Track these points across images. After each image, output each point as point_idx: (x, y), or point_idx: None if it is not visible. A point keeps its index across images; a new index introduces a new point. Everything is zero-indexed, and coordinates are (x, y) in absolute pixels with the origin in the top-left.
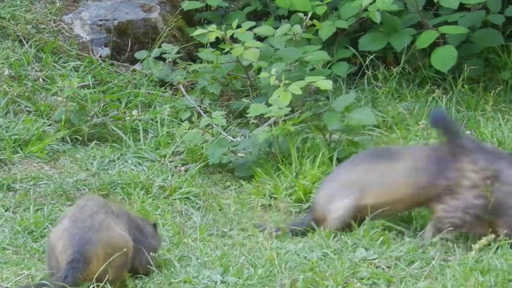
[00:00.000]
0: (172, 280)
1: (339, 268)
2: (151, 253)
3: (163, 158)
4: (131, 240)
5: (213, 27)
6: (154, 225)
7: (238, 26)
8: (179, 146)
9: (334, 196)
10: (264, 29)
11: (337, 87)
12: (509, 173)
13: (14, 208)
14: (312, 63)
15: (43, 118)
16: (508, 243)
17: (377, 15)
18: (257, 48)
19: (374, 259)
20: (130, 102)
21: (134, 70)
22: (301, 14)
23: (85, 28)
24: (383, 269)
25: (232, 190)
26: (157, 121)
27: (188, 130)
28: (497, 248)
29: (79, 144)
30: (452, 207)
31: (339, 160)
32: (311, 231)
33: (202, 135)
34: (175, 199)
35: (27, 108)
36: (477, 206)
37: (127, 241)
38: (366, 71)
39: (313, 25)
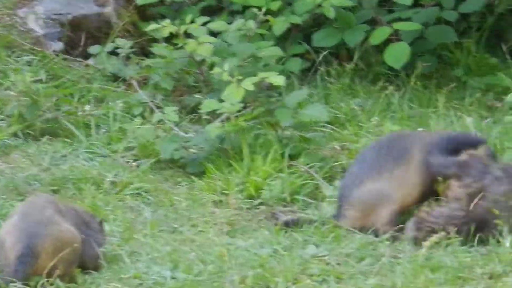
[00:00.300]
0: (122, 275)
1: (289, 264)
2: (99, 249)
3: (114, 154)
4: (79, 235)
5: (166, 22)
6: (101, 222)
7: (192, 21)
8: (131, 141)
9: None
10: (217, 24)
11: (290, 83)
12: (494, 189)
13: None
14: (266, 58)
15: None
16: (459, 241)
17: (331, 10)
18: (211, 43)
19: (324, 255)
20: (83, 97)
21: (87, 65)
22: (255, 10)
23: (39, 22)
24: (333, 265)
25: (183, 186)
26: (109, 116)
27: (140, 125)
28: (447, 246)
29: (31, 139)
30: (437, 212)
31: (290, 157)
32: (263, 227)
33: (154, 130)
34: (126, 195)
35: None
36: (460, 218)
37: (76, 236)
38: (319, 67)
39: (267, 21)
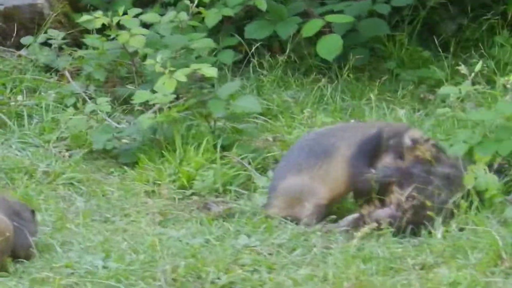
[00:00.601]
0: (54, 264)
1: (221, 254)
2: (31, 238)
3: (47, 144)
4: (11, 224)
5: (99, 13)
6: (33, 211)
7: (125, 13)
8: (63, 132)
9: None
10: (150, 16)
11: (222, 75)
12: (437, 198)
13: None
14: (198, 50)
15: None
16: (390, 232)
17: (263, 3)
18: (143, 35)
19: (256, 246)
20: (15, 88)
21: (19, 56)
22: (187, 2)
23: None
24: (265, 256)
25: (115, 176)
26: (42, 107)
27: (73, 116)
28: (379, 237)
29: None
30: (378, 213)
31: (223, 148)
32: (195, 217)
33: (87, 121)
34: (58, 185)
35: None
36: (399, 219)
37: (8, 225)
38: (251, 59)
39: (199, 13)
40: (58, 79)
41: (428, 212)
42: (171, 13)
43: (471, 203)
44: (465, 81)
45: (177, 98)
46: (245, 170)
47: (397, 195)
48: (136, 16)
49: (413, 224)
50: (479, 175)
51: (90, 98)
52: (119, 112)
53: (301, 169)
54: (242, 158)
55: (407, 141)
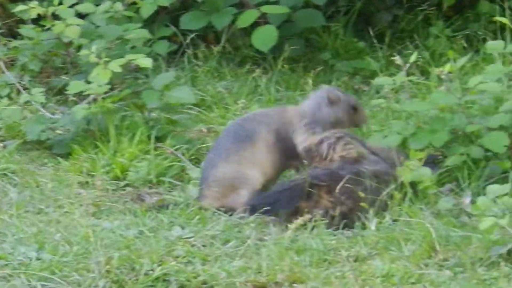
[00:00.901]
0: None
1: (155, 246)
2: None
3: None
4: None
5: (34, 3)
6: None
7: (60, 3)
8: None
9: None
10: (85, 6)
11: (157, 66)
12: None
13: None
14: (133, 41)
15: None
16: (324, 224)
17: None
18: (78, 25)
19: (190, 237)
20: None
21: None
22: None
23: None
24: (199, 247)
25: (49, 167)
26: None
27: (7, 106)
28: (312, 228)
29: None
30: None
31: (157, 139)
32: (129, 208)
33: (21, 111)
34: None
35: None
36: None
37: None
38: (186, 50)
39: (135, 3)
40: None
41: (361, 204)
42: (106, 4)
43: (405, 194)
44: (400, 72)
45: (112, 89)
46: (179, 161)
47: (326, 201)
48: (71, 6)
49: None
50: (413, 167)
51: (25, 89)
52: (54, 102)
53: (229, 155)
54: (176, 149)
55: (300, 151)
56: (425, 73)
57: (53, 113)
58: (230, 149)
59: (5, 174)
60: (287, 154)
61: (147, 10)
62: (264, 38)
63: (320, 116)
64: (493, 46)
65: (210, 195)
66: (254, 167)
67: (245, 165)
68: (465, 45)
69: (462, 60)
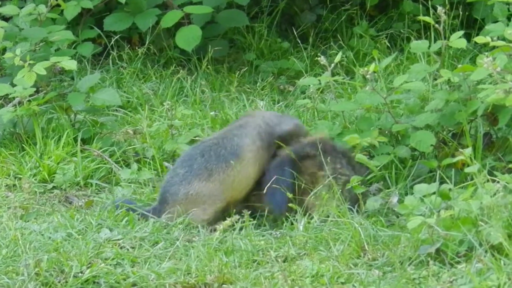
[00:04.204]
0: None
1: (84, 248)
2: None
3: None
4: None
5: None
6: None
7: None
8: None
9: None
10: (9, 8)
11: (82, 68)
12: None
13: None
14: (57, 43)
15: None
16: (252, 224)
17: None
18: (2, 28)
19: (118, 239)
20: None
21: None
22: None
23: None
24: (128, 249)
25: None
26: None
27: None
28: (241, 229)
29: None
30: None
31: (83, 141)
32: (57, 211)
33: None
34: None
35: None
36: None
37: None
38: (111, 52)
39: (58, 5)
40: None
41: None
42: (30, 6)
43: (333, 194)
44: (325, 72)
45: (37, 91)
46: (105, 164)
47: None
48: None
49: None
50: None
51: None
52: None
53: (212, 174)
54: (102, 151)
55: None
56: (350, 73)
57: None
58: (213, 169)
59: None
60: (270, 149)
61: (71, 12)
62: (188, 38)
63: None
64: (418, 45)
65: (174, 211)
66: (238, 185)
67: (227, 183)
68: (389, 44)
69: (387, 60)
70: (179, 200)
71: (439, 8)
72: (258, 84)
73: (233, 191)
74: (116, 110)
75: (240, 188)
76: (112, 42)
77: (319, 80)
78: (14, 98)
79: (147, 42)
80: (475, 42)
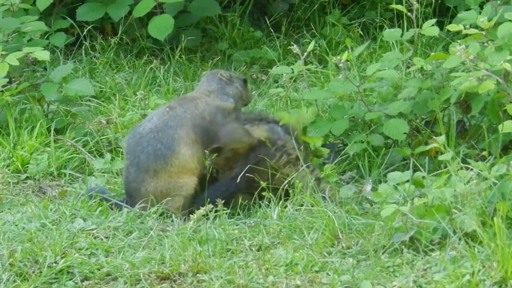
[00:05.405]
0: None
1: (58, 238)
2: None
3: None
4: None
5: None
6: None
7: None
8: None
9: None
10: None
11: (55, 58)
12: None
13: None
14: (30, 33)
15: None
16: (226, 213)
17: None
18: None
19: (92, 229)
20: None
21: None
22: None
23: None
24: (102, 239)
25: None
26: None
27: None
28: (214, 218)
29: None
30: None
31: (56, 131)
32: (31, 201)
33: None
34: None
35: None
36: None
37: None
38: (84, 42)
39: None
40: None
41: (264, 193)
42: None
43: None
44: (298, 60)
45: (10, 82)
46: (79, 154)
47: None
48: None
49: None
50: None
51: None
52: None
53: (157, 172)
54: (76, 141)
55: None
56: (322, 61)
57: None
58: (156, 169)
59: None
60: (208, 141)
61: (43, 3)
62: (160, 26)
63: (227, 91)
64: (390, 34)
65: (145, 202)
66: (185, 174)
67: (176, 175)
68: (362, 33)
69: (360, 48)
70: (143, 195)
71: None
72: None
73: (187, 179)
74: (89, 100)
75: (191, 173)
76: (85, 32)
77: (292, 69)
78: None
79: (119, 32)
80: (448, 30)
